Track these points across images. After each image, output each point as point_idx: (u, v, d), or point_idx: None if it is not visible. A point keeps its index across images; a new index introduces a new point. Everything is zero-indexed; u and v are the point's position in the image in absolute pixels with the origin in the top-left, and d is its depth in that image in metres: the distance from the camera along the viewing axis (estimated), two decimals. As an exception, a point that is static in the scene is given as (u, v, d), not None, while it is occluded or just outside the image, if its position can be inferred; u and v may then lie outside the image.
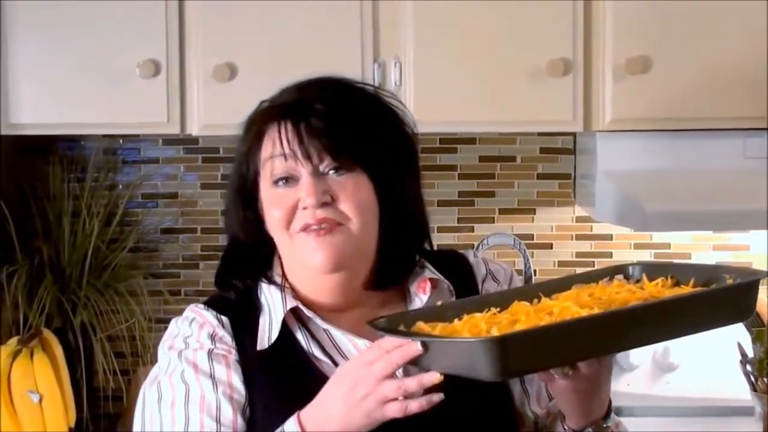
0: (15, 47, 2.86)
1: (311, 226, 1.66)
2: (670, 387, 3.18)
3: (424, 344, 1.46)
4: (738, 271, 1.62)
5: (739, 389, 3.00)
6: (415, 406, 1.47)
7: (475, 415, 1.70)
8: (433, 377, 1.46)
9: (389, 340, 1.49)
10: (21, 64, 2.86)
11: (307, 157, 1.66)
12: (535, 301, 1.61)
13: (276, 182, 1.69)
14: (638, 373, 3.18)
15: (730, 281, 1.60)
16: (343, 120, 1.68)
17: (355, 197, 1.67)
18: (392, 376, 1.48)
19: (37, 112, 2.88)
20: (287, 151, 1.67)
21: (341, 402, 1.52)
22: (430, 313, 1.61)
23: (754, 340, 2.95)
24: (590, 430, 1.67)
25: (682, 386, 3.17)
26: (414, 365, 1.49)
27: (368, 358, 1.50)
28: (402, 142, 1.76)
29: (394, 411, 1.48)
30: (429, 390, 1.48)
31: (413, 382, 1.47)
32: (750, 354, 2.94)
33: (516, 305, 1.58)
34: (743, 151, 2.85)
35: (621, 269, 1.73)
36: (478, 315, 1.56)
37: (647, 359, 3.18)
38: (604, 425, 1.67)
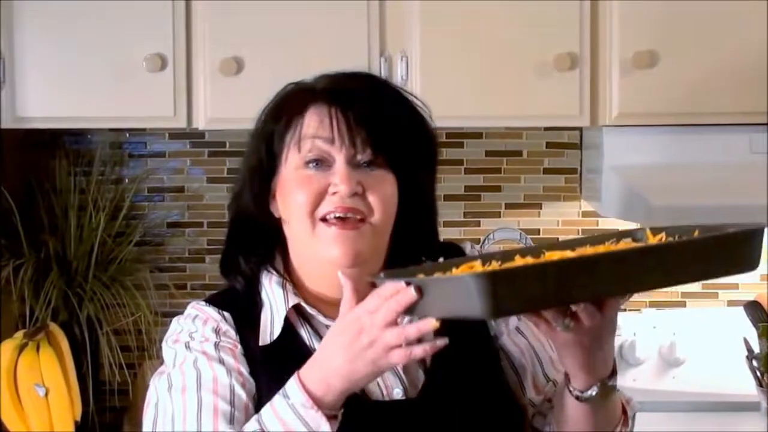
0: (22, 41, 2.86)
1: (335, 213, 1.65)
2: (676, 382, 3.19)
3: (419, 290, 1.45)
4: (743, 225, 1.61)
5: (745, 384, 3.01)
6: (419, 351, 1.47)
7: (478, 410, 1.70)
8: (429, 324, 1.45)
9: (387, 287, 1.49)
10: (28, 58, 2.86)
11: (352, 143, 1.66)
12: (541, 256, 1.59)
13: (308, 163, 1.68)
14: (644, 368, 3.19)
15: (733, 230, 1.58)
16: (386, 115, 1.69)
17: (382, 192, 1.68)
18: (395, 323, 1.48)
19: (44, 106, 2.88)
20: (335, 134, 1.67)
21: (345, 351, 1.51)
22: (432, 269, 1.59)
23: (760, 336, 2.95)
24: (596, 388, 1.65)
25: (688, 381, 3.18)
26: (413, 313, 1.47)
27: (369, 307, 1.49)
28: (429, 145, 1.77)
29: (399, 357, 1.48)
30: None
31: (412, 329, 1.46)
32: (756, 349, 2.95)
33: (518, 259, 1.56)
34: (749, 146, 2.85)
35: (629, 233, 1.72)
36: (476, 263, 1.55)
37: (654, 354, 3.19)
38: (610, 383, 1.65)
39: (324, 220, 1.66)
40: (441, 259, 1.66)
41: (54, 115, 2.89)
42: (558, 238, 3.31)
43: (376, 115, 1.68)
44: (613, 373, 1.65)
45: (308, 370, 1.56)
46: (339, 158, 1.66)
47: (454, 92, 2.85)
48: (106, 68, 2.86)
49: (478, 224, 3.30)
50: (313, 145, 1.68)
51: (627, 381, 3.14)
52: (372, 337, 1.48)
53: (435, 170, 1.79)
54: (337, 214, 1.65)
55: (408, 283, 1.47)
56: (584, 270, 1.43)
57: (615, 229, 3.25)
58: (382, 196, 1.67)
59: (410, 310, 1.47)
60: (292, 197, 1.69)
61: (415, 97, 1.78)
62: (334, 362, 1.52)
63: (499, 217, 3.31)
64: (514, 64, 2.85)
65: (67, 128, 3.18)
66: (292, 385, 1.56)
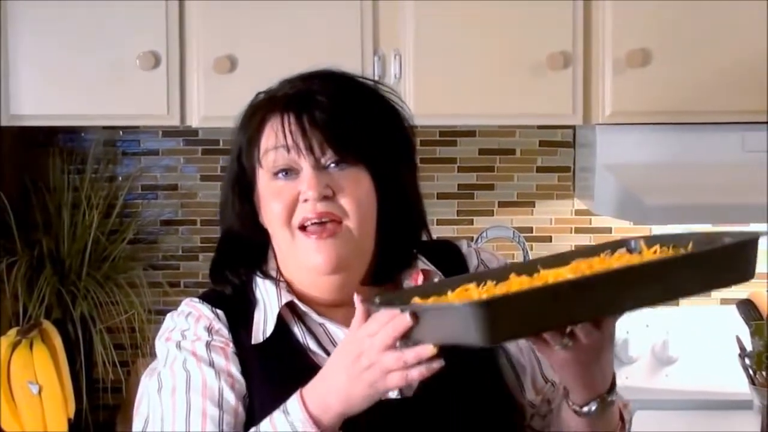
0: (16, 39, 2.86)
1: (311, 220, 1.65)
2: (669, 380, 3.19)
3: (414, 315, 1.45)
4: (737, 235, 1.59)
5: (737, 383, 3.01)
6: (415, 374, 1.47)
7: (472, 404, 1.70)
8: (427, 350, 1.45)
9: (383, 313, 1.49)
10: (22, 56, 2.86)
11: (310, 149, 1.66)
12: (535, 275, 1.59)
13: (276, 174, 1.69)
14: (637, 366, 3.19)
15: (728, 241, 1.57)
16: (345, 113, 1.68)
17: (355, 193, 1.67)
18: (393, 347, 1.48)
19: (37, 104, 2.88)
20: (290, 142, 1.66)
21: (345, 372, 1.52)
22: (427, 290, 1.59)
23: (752, 334, 2.95)
24: (595, 404, 1.64)
25: (681, 379, 3.18)
26: (409, 338, 1.47)
27: (369, 331, 1.50)
28: (401, 136, 1.76)
29: (396, 380, 1.48)
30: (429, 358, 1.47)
31: (411, 354, 1.46)
32: (749, 347, 2.95)
33: (512, 278, 1.56)
34: (742, 144, 2.85)
35: (623, 243, 1.71)
36: (471, 285, 1.54)
37: (646, 352, 3.19)
38: (609, 399, 1.64)
39: (302, 228, 1.67)
40: (436, 279, 1.67)
41: (47, 113, 2.89)
42: (551, 237, 3.32)
43: (334, 114, 1.67)
44: (612, 387, 1.65)
45: (310, 389, 1.57)
46: (305, 165, 1.66)
47: (447, 90, 2.85)
48: (99, 66, 2.86)
49: (471, 222, 3.31)
50: (276, 156, 1.68)
51: (620, 379, 3.10)
52: (371, 360, 1.49)
53: (412, 161, 1.78)
54: (313, 221, 1.65)
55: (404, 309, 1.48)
56: (582, 292, 1.43)
57: (608, 228, 3.29)
58: (355, 197, 1.67)
59: (407, 335, 1.47)
60: (269, 209, 1.70)
61: (387, 87, 1.78)
62: (334, 382, 1.53)
63: (493, 215, 3.31)
64: (508, 62, 2.85)
65: (60, 126, 3.18)
66: (293, 401, 1.57)
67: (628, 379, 3.16)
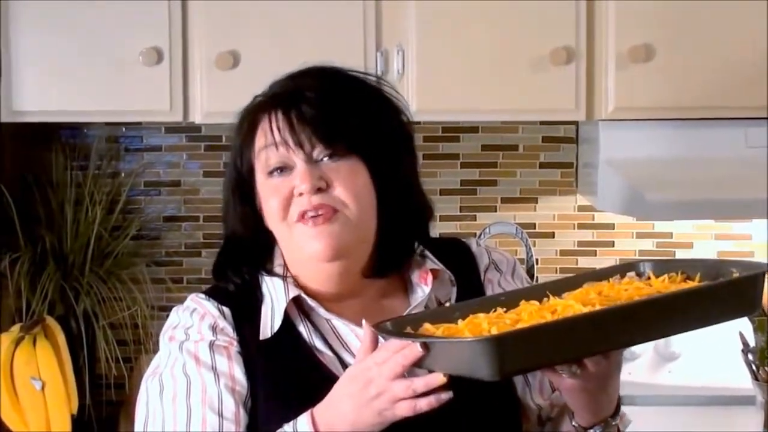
0: (18, 35, 2.86)
1: (307, 212, 1.66)
2: (672, 376, 3.19)
3: (425, 345, 1.46)
4: (744, 266, 1.60)
5: (740, 378, 3.01)
6: (424, 404, 1.48)
7: (478, 405, 1.70)
8: (437, 378, 1.46)
9: (393, 342, 1.50)
10: (24, 52, 2.86)
11: (299, 144, 1.66)
12: (545, 300, 1.59)
13: (271, 173, 1.70)
14: (640, 362, 3.19)
15: (735, 276, 1.58)
16: (334, 106, 1.69)
17: (350, 183, 1.67)
18: (402, 376, 1.49)
19: (40, 100, 2.88)
20: (278, 139, 1.67)
21: (353, 400, 1.52)
22: (437, 315, 1.61)
23: (755, 330, 2.95)
24: (599, 428, 1.66)
25: (684, 375, 3.18)
26: (420, 367, 1.49)
27: (378, 359, 1.51)
28: (396, 127, 1.76)
29: (405, 409, 1.49)
30: (437, 388, 1.48)
31: (420, 383, 1.47)
32: (751, 343, 2.95)
33: (522, 305, 1.58)
34: (745, 140, 2.85)
35: (632, 266, 1.71)
36: (481, 315, 1.55)
37: (649, 348, 3.19)
38: (613, 423, 1.66)
39: (299, 218, 1.67)
40: (447, 303, 1.70)
41: (50, 108, 2.89)
42: (554, 233, 3.31)
43: (322, 108, 1.67)
44: (617, 410, 1.67)
45: (320, 410, 1.58)
46: (297, 160, 1.67)
47: (450, 86, 2.85)
48: (102, 62, 2.86)
49: (474, 218, 3.31)
50: (268, 155, 1.69)
51: (623, 375, 3.11)
52: (380, 388, 1.50)
53: (410, 152, 1.78)
54: (310, 214, 1.66)
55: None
56: (592, 327, 1.45)
57: (611, 223, 3.28)
58: (350, 187, 1.67)
59: (417, 364, 1.48)
60: (267, 207, 1.71)
61: (384, 80, 1.78)
62: (342, 409, 1.54)
63: (495, 211, 3.31)
64: (510, 58, 2.85)
65: (63, 122, 3.18)
66: (303, 422, 1.58)
67: (630, 375, 3.16)
